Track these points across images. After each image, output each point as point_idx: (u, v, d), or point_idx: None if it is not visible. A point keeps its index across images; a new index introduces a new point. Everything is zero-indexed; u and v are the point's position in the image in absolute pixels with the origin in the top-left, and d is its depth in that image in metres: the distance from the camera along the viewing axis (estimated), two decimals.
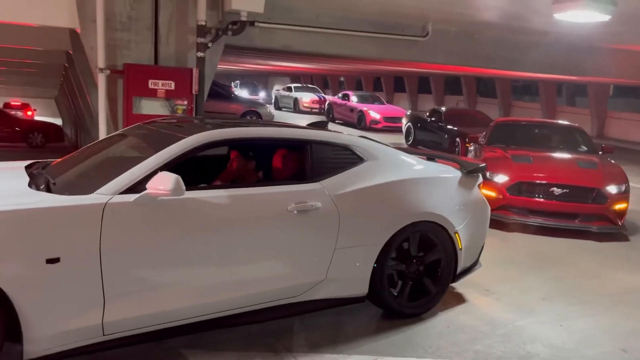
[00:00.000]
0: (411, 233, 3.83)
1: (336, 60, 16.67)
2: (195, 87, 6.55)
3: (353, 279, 3.67)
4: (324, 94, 28.83)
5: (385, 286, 3.77)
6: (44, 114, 32.39)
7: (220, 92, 17.49)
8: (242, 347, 3.37)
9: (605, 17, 6.71)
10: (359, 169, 3.74)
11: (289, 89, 27.96)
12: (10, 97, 32.11)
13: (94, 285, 2.76)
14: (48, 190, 3.01)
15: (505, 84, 24.63)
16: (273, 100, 28.95)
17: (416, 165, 4.12)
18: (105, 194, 2.85)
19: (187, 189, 2.95)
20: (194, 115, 6.61)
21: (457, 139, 12.53)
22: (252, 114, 17.65)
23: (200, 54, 6.60)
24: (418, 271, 3.92)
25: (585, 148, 8.00)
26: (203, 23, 6.52)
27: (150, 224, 2.92)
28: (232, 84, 33.60)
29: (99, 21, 6.04)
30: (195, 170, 4.07)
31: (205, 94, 6.81)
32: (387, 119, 19.33)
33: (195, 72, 6.54)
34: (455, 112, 14.52)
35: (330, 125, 5.58)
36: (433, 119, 14.22)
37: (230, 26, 6.75)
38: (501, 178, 6.78)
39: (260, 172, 4.08)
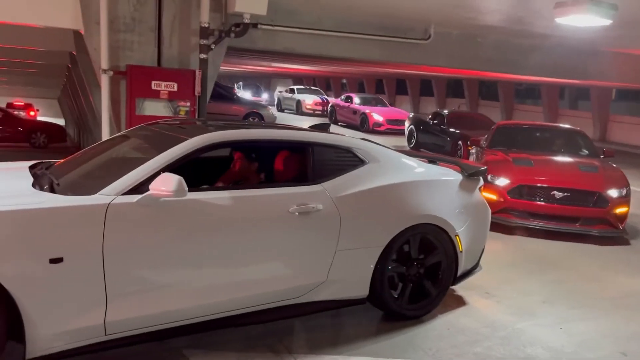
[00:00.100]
0: (412, 235, 3.84)
1: (338, 63, 16.69)
2: (197, 89, 6.58)
3: (354, 280, 3.69)
4: (327, 96, 28.81)
5: (386, 288, 3.79)
6: (46, 115, 32.53)
7: (223, 93, 17.54)
8: (242, 347, 3.38)
9: (606, 22, 6.72)
10: (361, 171, 3.76)
11: (292, 91, 27.94)
12: (14, 97, 32.28)
13: (97, 285, 2.78)
14: (52, 190, 3.03)
15: (508, 87, 24.60)
16: (276, 102, 28.95)
17: (417, 168, 4.14)
18: (109, 194, 2.87)
19: (190, 190, 2.98)
20: (196, 116, 6.64)
21: (460, 142, 12.53)
22: (255, 116, 17.67)
23: (203, 56, 6.62)
24: (418, 273, 3.93)
25: (587, 152, 7.99)
26: (206, 25, 6.55)
27: (152, 225, 2.94)
28: (235, 86, 33.65)
29: (102, 22, 6.07)
30: (198, 171, 4.08)
31: (207, 95, 6.83)
32: (390, 121, 19.31)
33: (197, 74, 6.57)
34: (458, 115, 14.52)
35: (333, 128, 5.60)
36: (435, 121, 14.20)
37: (233, 28, 6.78)
38: (502, 181, 6.79)
39: (262, 173, 4.10)
